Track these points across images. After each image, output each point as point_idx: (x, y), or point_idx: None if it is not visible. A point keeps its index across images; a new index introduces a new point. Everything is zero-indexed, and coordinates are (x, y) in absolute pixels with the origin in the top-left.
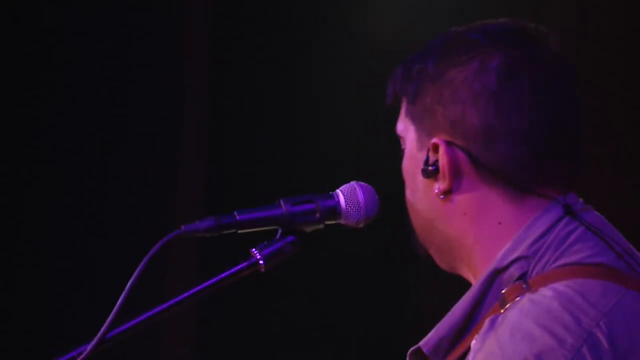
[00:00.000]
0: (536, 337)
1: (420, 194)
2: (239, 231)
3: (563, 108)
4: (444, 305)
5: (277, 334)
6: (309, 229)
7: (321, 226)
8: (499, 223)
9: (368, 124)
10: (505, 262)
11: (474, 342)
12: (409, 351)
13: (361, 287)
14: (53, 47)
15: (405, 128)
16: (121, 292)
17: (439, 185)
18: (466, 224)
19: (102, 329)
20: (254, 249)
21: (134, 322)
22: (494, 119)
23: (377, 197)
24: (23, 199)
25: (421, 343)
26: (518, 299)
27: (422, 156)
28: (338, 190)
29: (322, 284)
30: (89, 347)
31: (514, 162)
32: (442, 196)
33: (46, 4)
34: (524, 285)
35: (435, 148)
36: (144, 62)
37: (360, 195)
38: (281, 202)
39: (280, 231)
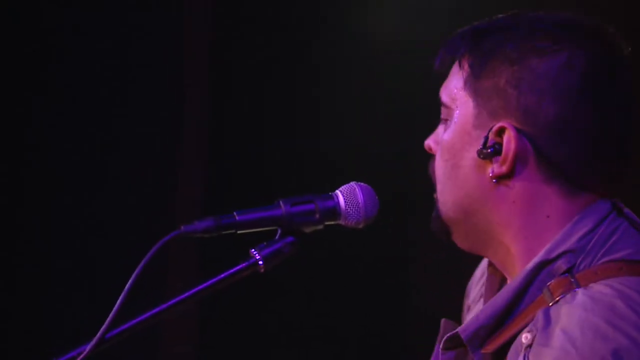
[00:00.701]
0: (609, 336)
1: (467, 170)
2: (238, 231)
3: (630, 112)
4: (444, 305)
5: (277, 333)
6: (308, 229)
7: (321, 227)
8: (548, 216)
9: (368, 124)
10: (554, 255)
11: (525, 334)
12: (445, 337)
13: (361, 287)
14: (53, 46)
15: (457, 99)
16: (121, 292)
17: (494, 169)
18: (514, 212)
19: (102, 329)
20: (253, 250)
21: (133, 322)
22: (570, 116)
23: (376, 197)
24: (23, 198)
25: (459, 329)
26: (569, 294)
27: (478, 134)
28: (337, 191)
29: (322, 284)
30: (89, 347)
31: (578, 160)
32: (494, 180)
33: (46, 4)
34: (572, 280)
35: (501, 131)
36: (144, 62)
37: (359, 196)
38: (280, 202)
39: (279, 232)
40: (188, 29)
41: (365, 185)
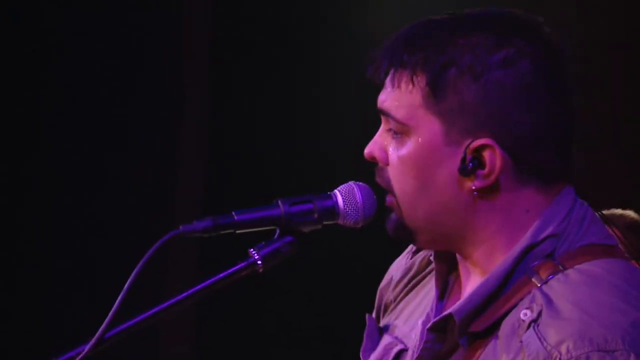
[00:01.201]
0: (623, 309)
1: (442, 186)
2: (237, 231)
3: (576, 108)
4: None
5: (276, 333)
6: (307, 229)
7: (319, 226)
8: (527, 211)
9: (367, 124)
10: (540, 238)
11: (523, 311)
12: (435, 320)
13: (360, 287)
14: (52, 47)
15: (414, 117)
16: (120, 292)
17: (476, 183)
18: (493, 214)
19: (101, 328)
20: (252, 249)
21: (132, 322)
22: (543, 123)
23: (375, 197)
24: (23, 199)
25: (452, 311)
26: (558, 274)
27: (451, 151)
28: (336, 191)
29: (321, 285)
30: (88, 347)
31: (552, 159)
32: (475, 193)
33: (46, 4)
34: (555, 262)
35: (481, 148)
36: (144, 62)
37: (358, 196)
38: (279, 202)
39: (278, 231)
40: (188, 29)
41: (364, 185)
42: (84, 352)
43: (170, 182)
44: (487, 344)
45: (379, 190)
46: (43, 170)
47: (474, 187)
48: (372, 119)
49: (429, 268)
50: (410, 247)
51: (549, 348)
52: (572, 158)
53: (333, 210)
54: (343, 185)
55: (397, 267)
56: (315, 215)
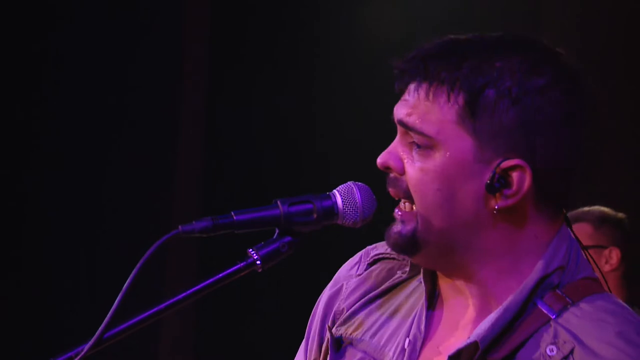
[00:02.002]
0: None
1: (466, 201)
2: (236, 232)
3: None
4: None
5: (275, 333)
6: (306, 229)
7: (318, 227)
8: (536, 237)
9: (365, 124)
10: (551, 270)
11: (549, 347)
12: (457, 349)
13: None
14: (52, 47)
15: (445, 131)
16: (119, 292)
17: (500, 202)
18: (505, 236)
19: (100, 328)
20: (251, 250)
21: (131, 322)
22: (569, 153)
23: (374, 197)
24: (23, 203)
25: (478, 338)
26: (571, 307)
27: (481, 168)
28: (335, 191)
29: (320, 284)
30: (86, 346)
31: (568, 190)
32: (495, 212)
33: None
34: (562, 294)
35: (510, 168)
36: (143, 63)
37: (357, 196)
38: (278, 202)
39: (277, 231)
40: (188, 29)
41: (363, 184)
42: (82, 352)
43: (169, 183)
44: None
45: (378, 190)
46: (43, 172)
47: (497, 206)
48: (369, 118)
49: (390, 282)
50: (360, 257)
51: None
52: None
53: (332, 211)
54: (342, 186)
55: (348, 276)
56: (314, 216)
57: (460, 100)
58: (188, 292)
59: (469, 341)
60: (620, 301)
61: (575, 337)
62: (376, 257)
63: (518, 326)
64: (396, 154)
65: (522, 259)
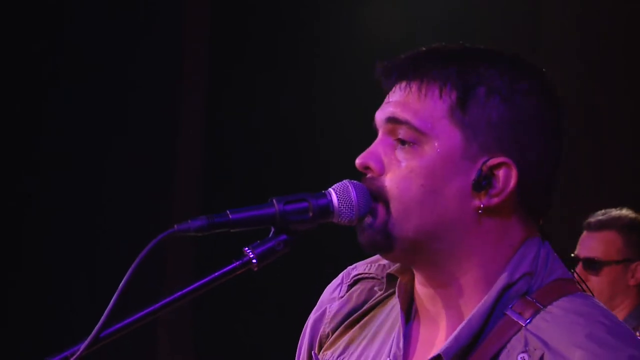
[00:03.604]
0: (616, 345)
1: (449, 199)
2: (232, 230)
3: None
4: None
5: (274, 332)
6: (301, 227)
7: (314, 225)
8: (510, 245)
9: (362, 123)
10: (516, 277)
11: (521, 355)
12: None
13: None
14: (52, 47)
15: (436, 127)
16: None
17: (484, 201)
18: (485, 240)
19: (96, 328)
20: (246, 248)
21: (128, 320)
22: (548, 154)
23: (369, 195)
24: (23, 203)
25: (442, 352)
26: (540, 312)
27: (467, 165)
28: (331, 189)
29: (320, 284)
30: (83, 346)
31: (544, 192)
32: (480, 211)
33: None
34: (533, 300)
35: (498, 166)
36: (142, 63)
37: (353, 194)
38: (274, 201)
39: (273, 230)
40: (188, 29)
41: (359, 183)
42: (79, 352)
43: (169, 183)
44: None
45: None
46: (43, 173)
47: (481, 205)
48: (367, 117)
49: (370, 303)
50: (341, 279)
51: None
52: (553, 198)
53: (328, 209)
54: (338, 184)
55: (330, 299)
56: (310, 214)
57: (453, 95)
58: (184, 290)
59: (433, 355)
60: (595, 300)
61: (544, 343)
62: (356, 277)
63: (488, 337)
64: (377, 155)
65: (495, 270)
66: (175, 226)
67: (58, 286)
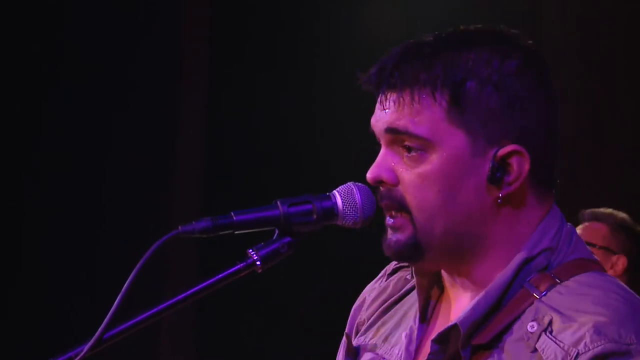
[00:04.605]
0: (629, 312)
1: (468, 196)
2: (236, 232)
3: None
4: None
5: (278, 335)
6: (306, 229)
7: (318, 227)
8: (528, 223)
9: (366, 125)
10: (536, 252)
11: (530, 324)
12: (440, 332)
13: (360, 287)
14: (52, 47)
15: (438, 132)
16: (119, 293)
17: (503, 191)
18: (504, 226)
19: (100, 329)
20: (250, 250)
21: (131, 322)
22: (552, 130)
23: (374, 197)
24: (23, 203)
25: (457, 321)
26: (556, 286)
27: (478, 162)
28: (335, 191)
29: (321, 285)
30: (86, 347)
31: (554, 167)
32: (499, 201)
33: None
34: (551, 275)
35: (507, 155)
36: (142, 63)
37: (357, 196)
38: (278, 203)
39: (277, 232)
40: (188, 29)
41: (363, 185)
42: (82, 353)
43: (169, 183)
44: (490, 356)
45: (378, 191)
46: (43, 173)
47: (500, 195)
48: (370, 119)
49: (404, 289)
50: (384, 271)
51: (566, 347)
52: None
53: (332, 211)
54: (342, 186)
55: (371, 290)
56: (314, 216)
57: (446, 96)
58: (188, 292)
59: (449, 325)
60: (615, 279)
61: (554, 309)
62: (396, 267)
63: (504, 309)
64: (387, 166)
65: (515, 248)
66: (180, 227)
67: (58, 286)
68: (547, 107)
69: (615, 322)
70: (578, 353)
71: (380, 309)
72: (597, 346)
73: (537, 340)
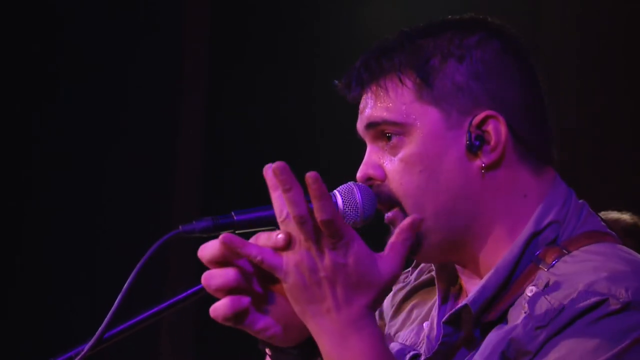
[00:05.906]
0: (629, 272)
1: (450, 172)
2: (237, 231)
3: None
4: None
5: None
6: None
7: None
8: (525, 196)
9: None
10: (542, 225)
11: (529, 288)
12: (451, 312)
13: None
14: (51, 47)
15: (410, 113)
16: (120, 292)
17: (484, 159)
18: (497, 198)
19: (100, 328)
20: None
21: (132, 322)
22: (530, 93)
23: (374, 197)
24: (23, 203)
25: (468, 301)
26: (563, 257)
27: (455, 134)
28: (335, 191)
29: None
30: (87, 346)
31: (541, 135)
32: (483, 171)
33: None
34: (559, 247)
35: (483, 122)
36: (143, 64)
37: (357, 196)
38: None
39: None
40: (187, 29)
41: (364, 185)
42: (83, 352)
43: (169, 183)
44: (497, 329)
45: None
46: (43, 173)
47: (482, 164)
48: None
49: (422, 278)
50: (414, 261)
51: (553, 301)
52: (554, 138)
53: None
54: (342, 186)
55: (401, 280)
56: None
57: (412, 77)
58: (188, 292)
59: (459, 305)
60: (626, 248)
61: (554, 275)
62: None
63: (514, 285)
64: (373, 163)
65: (517, 223)
66: (180, 227)
67: (58, 286)
68: (519, 72)
69: (608, 279)
70: (564, 307)
71: (402, 297)
72: (584, 300)
73: (532, 300)
